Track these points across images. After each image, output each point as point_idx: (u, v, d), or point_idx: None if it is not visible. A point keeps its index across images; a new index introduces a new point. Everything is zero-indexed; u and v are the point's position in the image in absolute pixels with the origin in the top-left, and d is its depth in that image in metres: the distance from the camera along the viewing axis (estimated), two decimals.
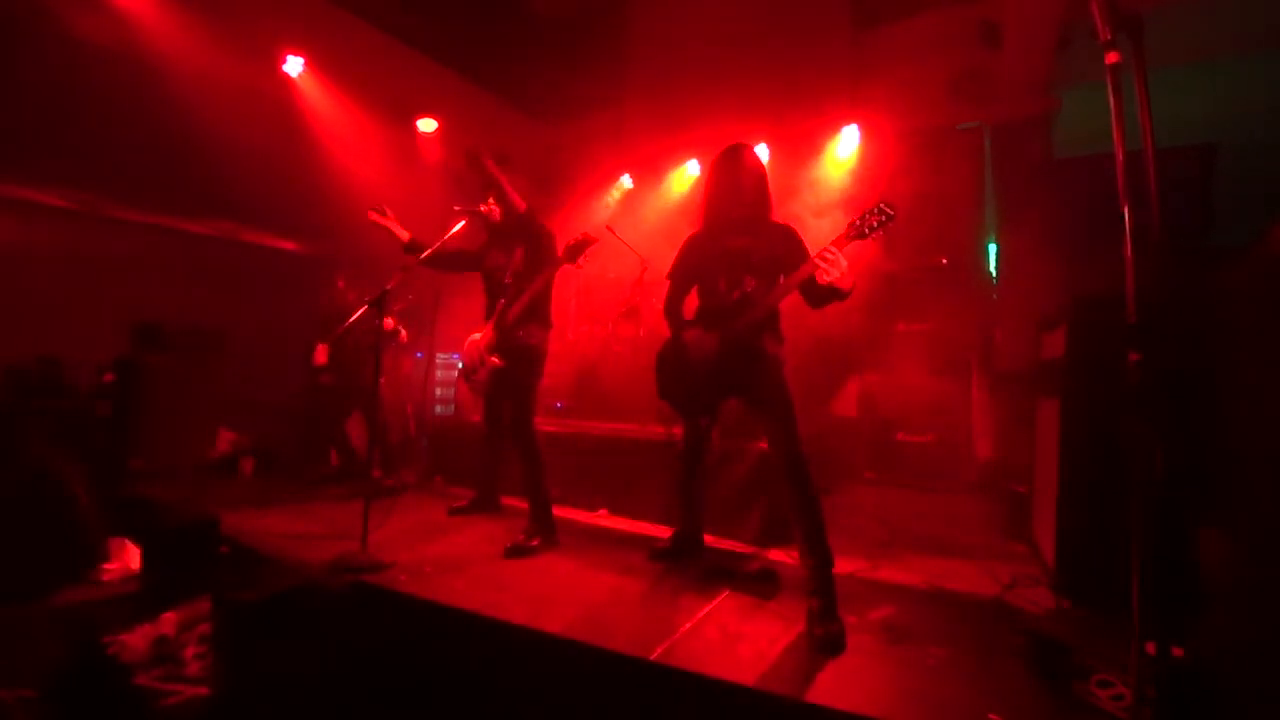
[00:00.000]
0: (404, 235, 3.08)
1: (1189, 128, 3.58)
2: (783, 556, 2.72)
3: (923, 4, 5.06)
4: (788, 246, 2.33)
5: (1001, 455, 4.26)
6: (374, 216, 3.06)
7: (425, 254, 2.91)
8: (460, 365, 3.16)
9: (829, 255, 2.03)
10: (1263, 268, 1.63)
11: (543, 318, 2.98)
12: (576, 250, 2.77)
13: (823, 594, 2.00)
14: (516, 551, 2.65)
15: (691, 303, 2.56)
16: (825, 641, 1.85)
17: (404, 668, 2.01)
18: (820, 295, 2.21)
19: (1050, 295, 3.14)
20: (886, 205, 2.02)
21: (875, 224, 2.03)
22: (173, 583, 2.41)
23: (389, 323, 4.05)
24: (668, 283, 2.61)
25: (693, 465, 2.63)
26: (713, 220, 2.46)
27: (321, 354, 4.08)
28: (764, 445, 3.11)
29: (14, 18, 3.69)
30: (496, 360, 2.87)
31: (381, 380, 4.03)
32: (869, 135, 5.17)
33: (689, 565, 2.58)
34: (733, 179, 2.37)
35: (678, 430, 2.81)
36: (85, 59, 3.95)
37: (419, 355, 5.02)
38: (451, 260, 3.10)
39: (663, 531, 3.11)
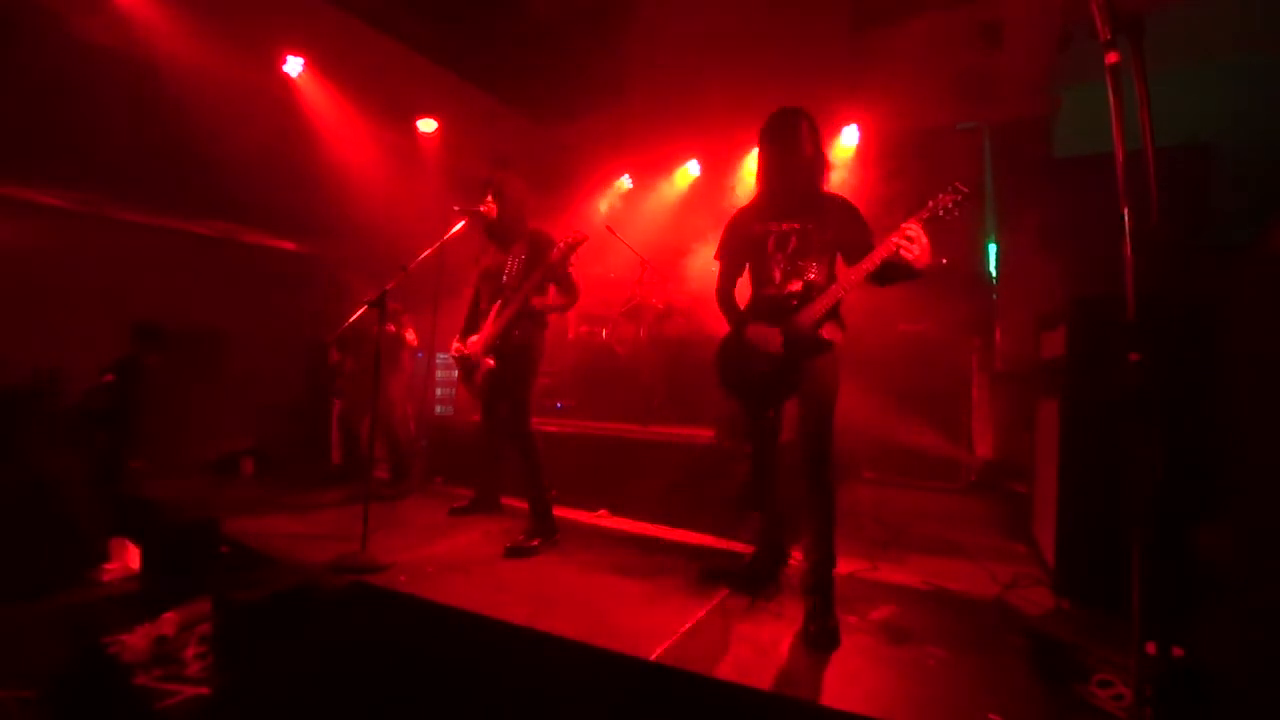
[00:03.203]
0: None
1: (1189, 128, 3.58)
2: None
3: (923, 4, 5.05)
4: (849, 226, 2.15)
5: (1001, 455, 4.27)
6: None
7: (424, 257, 2.90)
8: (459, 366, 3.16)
9: (911, 234, 1.87)
10: (1262, 267, 1.63)
11: (539, 318, 2.98)
12: (568, 251, 2.76)
13: (822, 591, 1.99)
14: (516, 552, 2.64)
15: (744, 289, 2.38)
16: (821, 637, 1.84)
17: (404, 668, 2.01)
18: (890, 274, 2.01)
19: (1050, 295, 3.14)
20: (960, 184, 1.89)
21: (950, 204, 1.91)
22: (173, 583, 2.41)
23: (412, 337, 4.10)
24: (718, 263, 2.41)
25: (766, 466, 2.37)
26: (764, 196, 2.28)
27: (333, 353, 4.12)
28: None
29: (14, 18, 3.69)
30: (490, 362, 2.87)
31: (392, 385, 4.07)
32: (869, 135, 5.17)
33: (770, 589, 2.32)
34: (783, 151, 2.19)
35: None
36: (85, 59, 3.95)
37: (419, 355, 5.02)
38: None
39: (663, 532, 3.11)
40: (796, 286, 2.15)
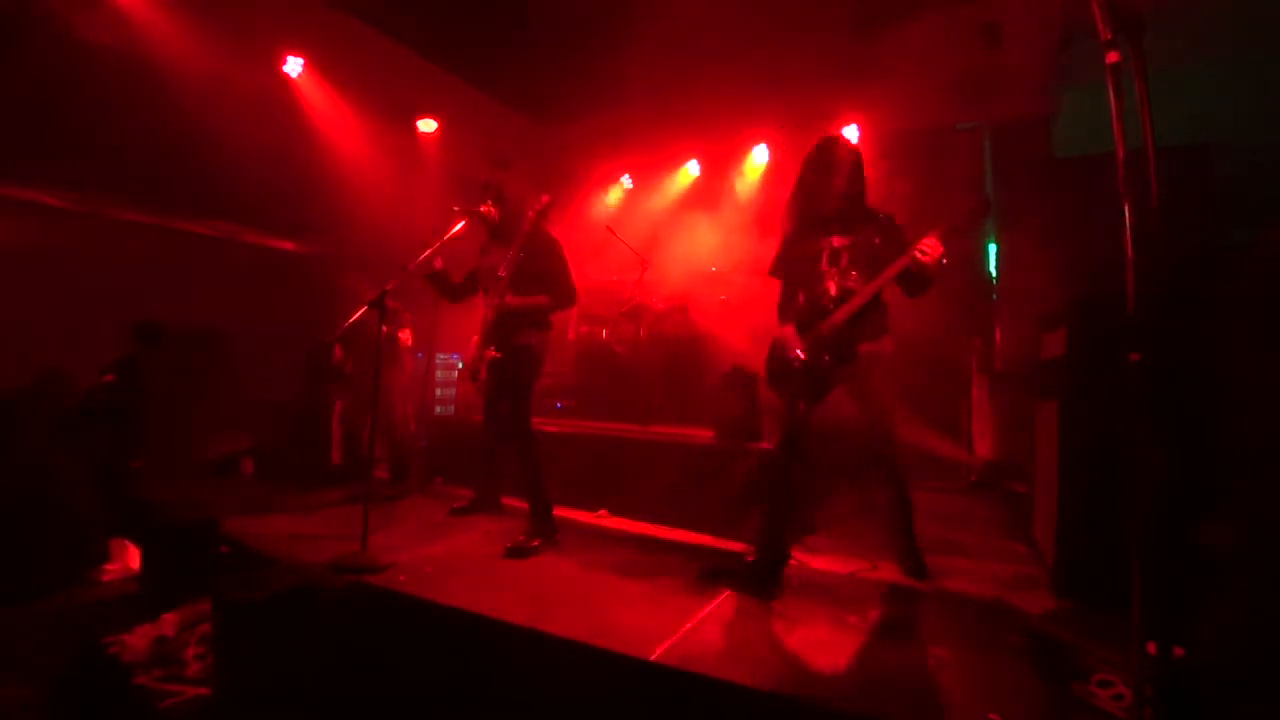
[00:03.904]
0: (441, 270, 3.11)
1: (1189, 128, 3.58)
2: None
3: (923, 4, 5.05)
4: (886, 238, 2.37)
5: (1001, 455, 4.26)
6: (428, 270, 3.04)
7: (424, 257, 2.90)
8: (460, 365, 3.17)
9: (926, 247, 2.17)
10: (1263, 267, 1.63)
11: (540, 320, 2.98)
12: (539, 219, 2.87)
13: (906, 535, 2.40)
14: (517, 552, 2.64)
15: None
16: (916, 569, 2.35)
17: (404, 668, 2.01)
18: (918, 284, 2.31)
19: (1050, 295, 3.14)
20: (982, 204, 2.21)
21: (975, 220, 2.23)
22: (173, 583, 2.41)
23: (406, 337, 4.12)
24: (776, 281, 2.65)
25: (789, 456, 2.50)
26: (808, 217, 2.51)
27: (337, 351, 4.14)
28: (765, 445, 3.12)
29: (14, 18, 3.68)
30: (493, 352, 2.87)
31: (393, 386, 4.07)
32: (869, 135, 5.16)
33: (770, 589, 2.31)
34: (825, 174, 2.42)
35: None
36: (85, 59, 3.95)
37: (419, 355, 5.02)
38: (464, 290, 3.18)
39: (663, 532, 3.11)
40: (841, 294, 2.38)
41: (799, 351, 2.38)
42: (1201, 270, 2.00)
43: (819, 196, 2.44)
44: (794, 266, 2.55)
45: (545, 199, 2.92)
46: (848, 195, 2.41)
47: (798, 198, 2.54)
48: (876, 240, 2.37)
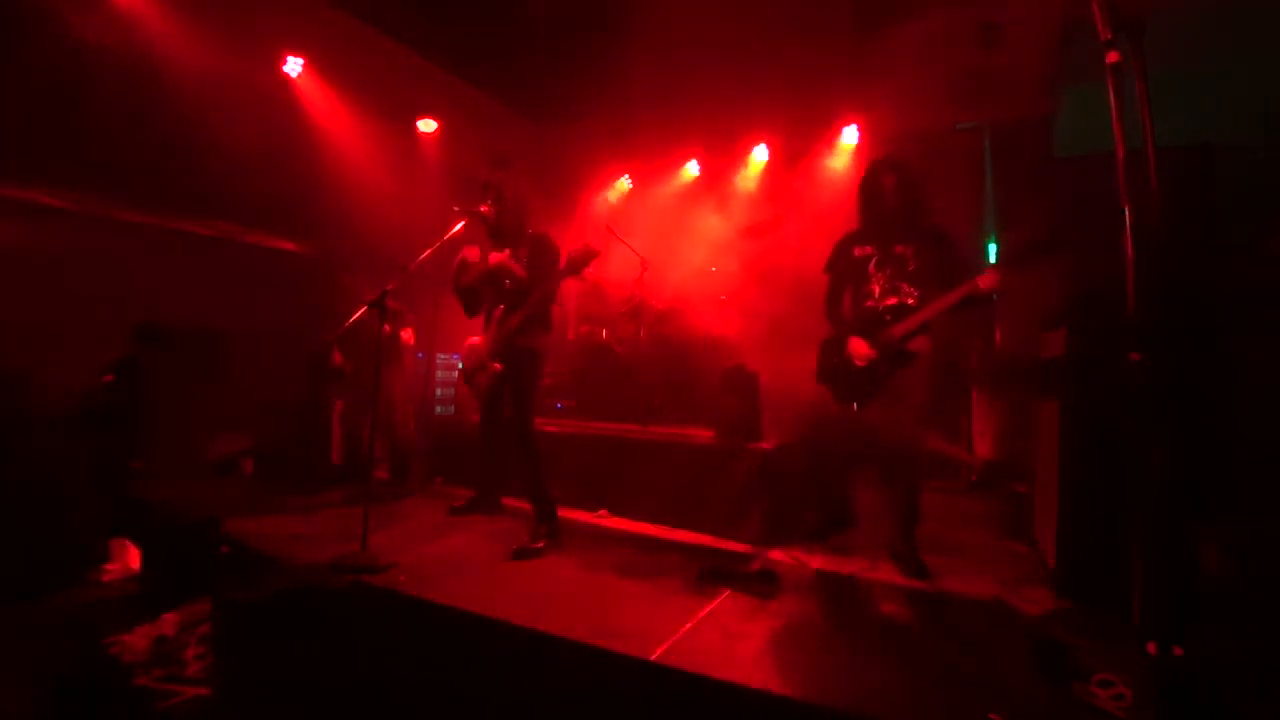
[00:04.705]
0: None
1: (1189, 128, 3.58)
2: (783, 556, 2.72)
3: (923, 4, 5.05)
4: (942, 257, 2.49)
5: (1001, 455, 4.26)
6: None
7: (424, 255, 2.89)
8: (460, 367, 3.16)
9: (990, 277, 2.27)
10: (1262, 267, 1.63)
11: (544, 321, 2.98)
12: (579, 263, 2.70)
13: (908, 542, 2.50)
14: (523, 554, 2.63)
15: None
16: (915, 569, 2.41)
17: (404, 668, 2.01)
18: (968, 307, 2.41)
19: (1050, 295, 3.14)
20: (1053, 236, 2.36)
21: (1034, 253, 2.36)
22: (173, 583, 2.41)
23: (408, 337, 4.12)
24: (825, 277, 2.78)
25: (835, 451, 2.77)
26: (868, 223, 2.65)
27: (336, 354, 4.14)
28: (765, 445, 3.12)
29: (14, 18, 3.68)
30: (497, 366, 2.87)
31: (394, 386, 4.07)
32: (869, 135, 5.16)
33: (770, 589, 2.31)
34: (880, 188, 2.56)
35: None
36: (86, 59, 3.95)
37: (419, 355, 5.02)
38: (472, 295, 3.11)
39: (663, 532, 3.11)
40: (892, 302, 2.52)
41: (868, 351, 2.52)
42: (1202, 270, 2.00)
43: (876, 209, 2.59)
44: (844, 267, 2.69)
45: (596, 252, 2.71)
46: (902, 208, 2.53)
47: (860, 204, 2.68)
48: (929, 253, 2.48)
